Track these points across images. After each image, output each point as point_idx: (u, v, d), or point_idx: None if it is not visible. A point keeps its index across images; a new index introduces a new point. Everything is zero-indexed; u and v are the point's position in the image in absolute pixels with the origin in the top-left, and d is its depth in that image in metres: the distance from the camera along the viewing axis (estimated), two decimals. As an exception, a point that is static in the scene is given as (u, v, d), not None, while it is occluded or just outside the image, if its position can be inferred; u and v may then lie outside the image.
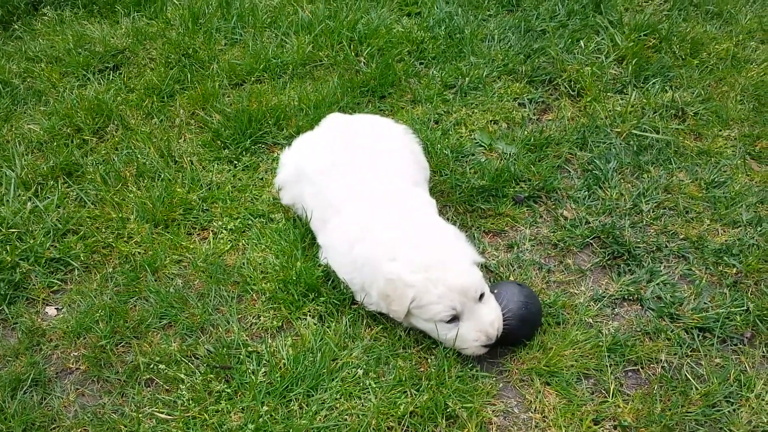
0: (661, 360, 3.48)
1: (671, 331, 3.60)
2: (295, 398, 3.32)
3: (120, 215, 4.25)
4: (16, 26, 6.07)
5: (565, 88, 5.19)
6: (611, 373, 3.43)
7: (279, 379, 3.37)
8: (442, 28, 5.76)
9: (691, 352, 3.53)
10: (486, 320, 3.38)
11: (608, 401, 3.32)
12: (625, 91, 5.17)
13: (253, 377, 3.37)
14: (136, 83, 5.36)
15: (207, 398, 3.32)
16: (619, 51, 5.40)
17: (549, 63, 5.38)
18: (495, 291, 3.54)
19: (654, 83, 5.17)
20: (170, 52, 5.60)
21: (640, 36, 5.54)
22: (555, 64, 5.33)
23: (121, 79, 5.42)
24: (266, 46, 5.63)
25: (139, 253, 4.07)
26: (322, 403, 3.31)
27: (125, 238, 4.16)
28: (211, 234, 4.20)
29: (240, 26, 5.91)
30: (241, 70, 5.43)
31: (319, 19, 5.83)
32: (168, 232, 4.18)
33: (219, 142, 4.77)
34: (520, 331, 3.51)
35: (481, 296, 3.42)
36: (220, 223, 4.23)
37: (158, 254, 4.03)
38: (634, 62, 5.26)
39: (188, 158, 4.64)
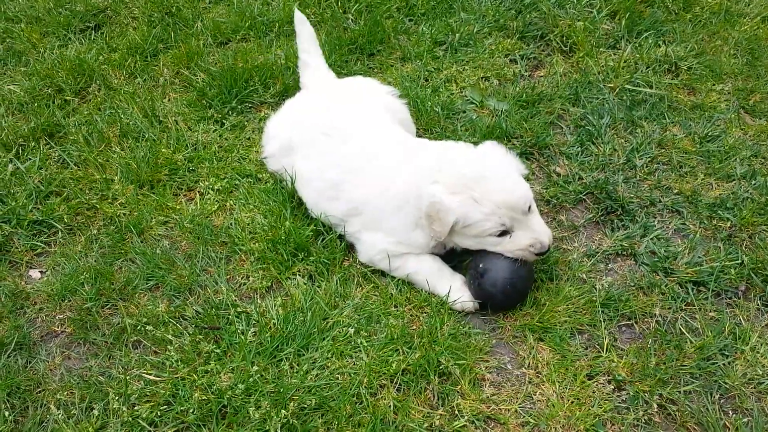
0: (655, 314, 3.45)
1: (665, 286, 3.56)
2: (286, 358, 3.27)
3: (104, 176, 4.17)
4: (-6, -15, 5.93)
5: (557, 43, 5.10)
6: (605, 328, 3.39)
7: (269, 339, 3.31)
8: (431, -17, 5.65)
9: (685, 306, 3.49)
10: (540, 230, 3.40)
11: (602, 356, 3.28)
12: (617, 46, 5.08)
13: (242, 337, 3.32)
14: (119, 43, 5.24)
15: (196, 359, 3.26)
16: (611, 5, 5.30)
17: (541, 18, 5.28)
18: (481, 266, 3.45)
19: (647, 38, 5.08)
20: (153, 11, 5.48)
21: (633, -10, 5.44)
22: (547, 20, 5.22)
23: (104, 39, 5.30)
24: (251, 4, 5.51)
25: (124, 214, 3.99)
26: (313, 362, 3.26)
27: (110, 200, 4.08)
28: (197, 194, 4.12)
29: (224, -18, 5.78)
30: (226, 28, 5.31)
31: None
32: (153, 193, 4.11)
33: (204, 101, 4.67)
34: (506, 303, 3.49)
35: (530, 207, 3.39)
36: (206, 183, 4.16)
37: (144, 215, 3.96)
38: (626, 17, 5.17)
39: (173, 118, 4.55)
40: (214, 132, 4.50)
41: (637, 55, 4.93)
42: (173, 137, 4.40)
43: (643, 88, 4.67)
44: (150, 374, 3.23)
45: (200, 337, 3.35)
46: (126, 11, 5.57)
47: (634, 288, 3.57)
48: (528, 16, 5.29)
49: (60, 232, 3.93)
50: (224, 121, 4.57)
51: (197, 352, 3.30)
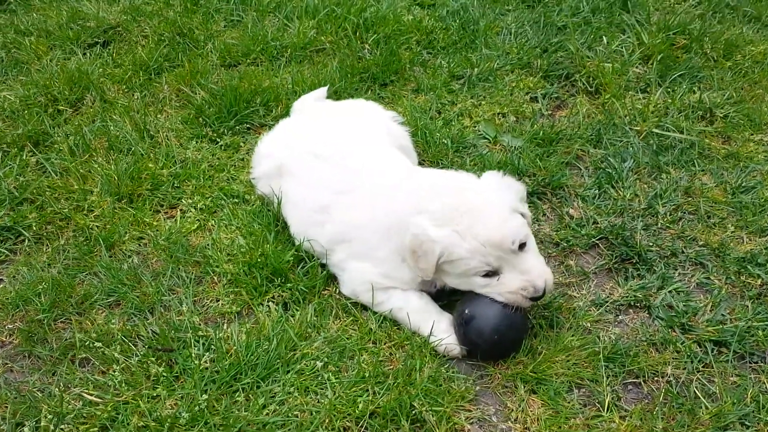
0: (666, 374, 3.02)
1: (681, 343, 3.14)
2: (242, 389, 2.92)
3: (83, 187, 3.92)
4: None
5: (583, 84, 4.77)
6: (608, 384, 2.98)
7: (227, 366, 2.97)
8: (456, 19, 5.39)
9: (702, 367, 3.06)
10: (534, 272, 2.99)
11: (602, 415, 2.87)
12: (648, 90, 4.73)
13: (196, 362, 2.97)
14: (125, 59, 5.05)
15: (144, 382, 2.93)
16: (644, 49, 4.97)
17: (568, 58, 4.97)
18: (466, 311, 3.06)
19: (680, 83, 4.73)
20: (164, 30, 5.30)
21: (669, 35, 5.10)
22: (574, 60, 4.92)
23: (110, 55, 5.13)
24: (266, 29, 5.31)
25: (97, 226, 3.73)
26: (272, 396, 2.91)
27: (84, 211, 3.82)
28: (179, 212, 3.83)
29: (242, 9, 5.59)
30: (236, 51, 5.11)
31: (325, 4, 5.50)
32: (132, 207, 3.84)
33: (201, 119, 4.43)
34: (493, 353, 3.09)
35: (523, 245, 3.00)
36: (189, 201, 3.88)
37: (117, 229, 3.69)
38: (659, 58, 4.84)
39: (165, 133, 4.30)
40: (206, 150, 4.24)
41: (669, 100, 4.58)
42: (162, 153, 4.15)
43: (672, 133, 4.30)
44: (91, 395, 2.90)
45: (152, 359, 3.02)
46: (138, 30, 5.40)
47: (645, 343, 3.16)
48: (554, 55, 5.00)
49: (27, 240, 3.67)
50: (218, 140, 4.31)
51: (147, 375, 2.97)
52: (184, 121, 4.45)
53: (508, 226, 2.97)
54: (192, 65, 4.87)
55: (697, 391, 2.96)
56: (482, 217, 2.96)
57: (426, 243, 2.98)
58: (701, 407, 2.89)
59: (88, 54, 5.15)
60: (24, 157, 4.13)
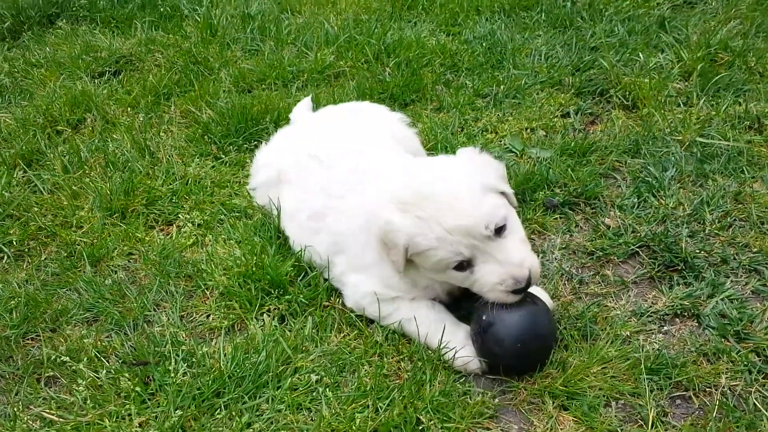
0: (720, 385, 2.57)
1: (737, 353, 2.68)
2: (225, 405, 2.53)
3: (73, 203, 3.65)
4: (25, 35, 5.72)
5: (619, 99, 4.39)
6: (652, 398, 2.53)
7: (209, 382, 2.59)
8: (482, 42, 5.10)
9: (762, 378, 2.60)
10: (513, 259, 2.54)
11: (645, 432, 2.42)
12: (689, 103, 4.33)
13: (172, 376, 2.61)
14: (134, 87, 4.84)
15: (113, 399, 2.57)
16: (683, 65, 4.60)
17: (601, 75, 4.61)
18: (484, 317, 2.63)
19: (725, 95, 4.33)
20: (178, 59, 5.11)
21: (710, 51, 4.73)
22: (609, 76, 4.55)
23: (119, 82, 4.93)
24: (283, 56, 5.08)
25: (84, 242, 3.42)
26: (259, 414, 2.52)
27: (73, 227, 3.54)
28: (175, 228, 3.53)
29: (260, 39, 5.39)
30: (251, 76, 4.86)
31: (345, 31, 5.27)
32: (124, 223, 3.55)
33: (207, 137, 4.17)
34: (516, 366, 2.67)
35: (501, 229, 2.57)
36: (187, 216, 3.57)
37: (105, 244, 3.38)
38: (699, 68, 4.45)
39: (167, 151, 4.03)
40: (211, 168, 3.95)
41: (713, 111, 4.17)
42: (162, 169, 3.87)
43: (718, 141, 3.89)
44: (52, 414, 2.54)
45: (124, 374, 2.65)
46: (151, 59, 5.22)
47: (694, 353, 2.71)
48: (587, 73, 4.64)
49: (6, 257, 3.38)
50: (223, 156, 4.03)
51: (117, 392, 2.61)
52: (188, 140, 4.18)
53: (479, 210, 2.54)
54: (203, 89, 4.63)
55: (757, 403, 2.51)
56: (447, 200, 2.56)
57: (391, 232, 2.62)
58: (763, 420, 2.44)
59: (97, 81, 4.96)
60: (14, 174, 3.89)
